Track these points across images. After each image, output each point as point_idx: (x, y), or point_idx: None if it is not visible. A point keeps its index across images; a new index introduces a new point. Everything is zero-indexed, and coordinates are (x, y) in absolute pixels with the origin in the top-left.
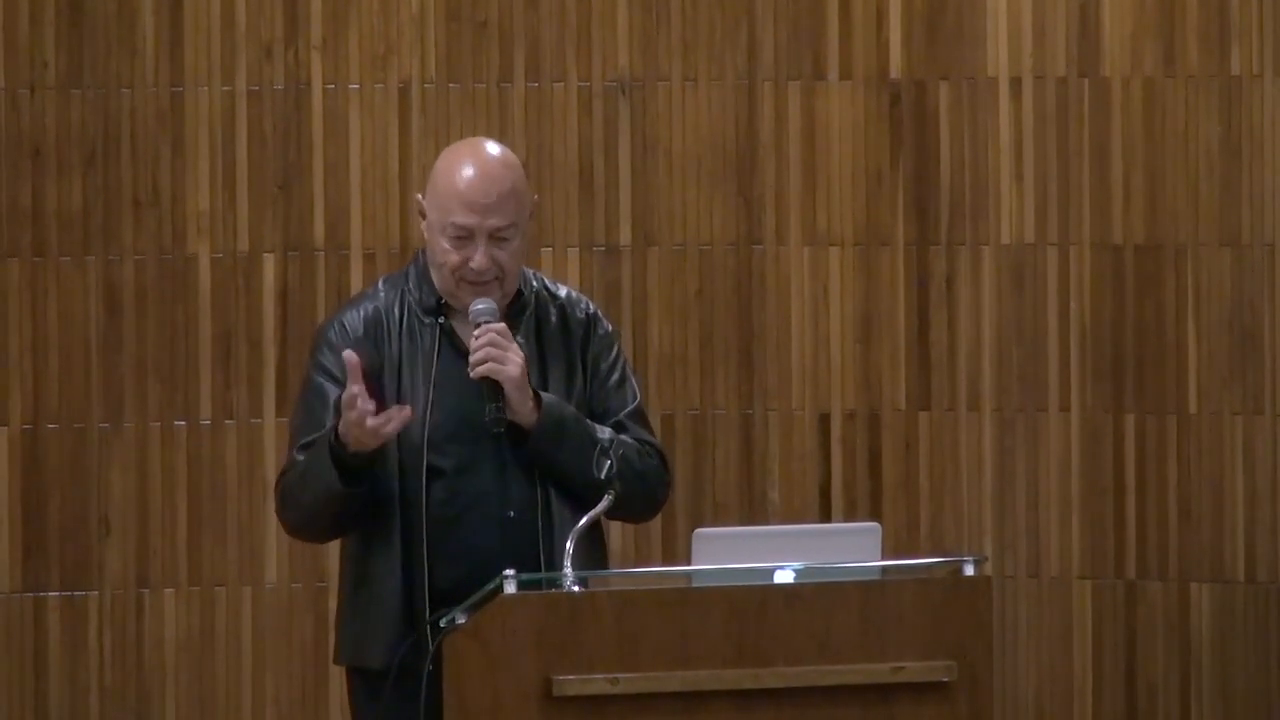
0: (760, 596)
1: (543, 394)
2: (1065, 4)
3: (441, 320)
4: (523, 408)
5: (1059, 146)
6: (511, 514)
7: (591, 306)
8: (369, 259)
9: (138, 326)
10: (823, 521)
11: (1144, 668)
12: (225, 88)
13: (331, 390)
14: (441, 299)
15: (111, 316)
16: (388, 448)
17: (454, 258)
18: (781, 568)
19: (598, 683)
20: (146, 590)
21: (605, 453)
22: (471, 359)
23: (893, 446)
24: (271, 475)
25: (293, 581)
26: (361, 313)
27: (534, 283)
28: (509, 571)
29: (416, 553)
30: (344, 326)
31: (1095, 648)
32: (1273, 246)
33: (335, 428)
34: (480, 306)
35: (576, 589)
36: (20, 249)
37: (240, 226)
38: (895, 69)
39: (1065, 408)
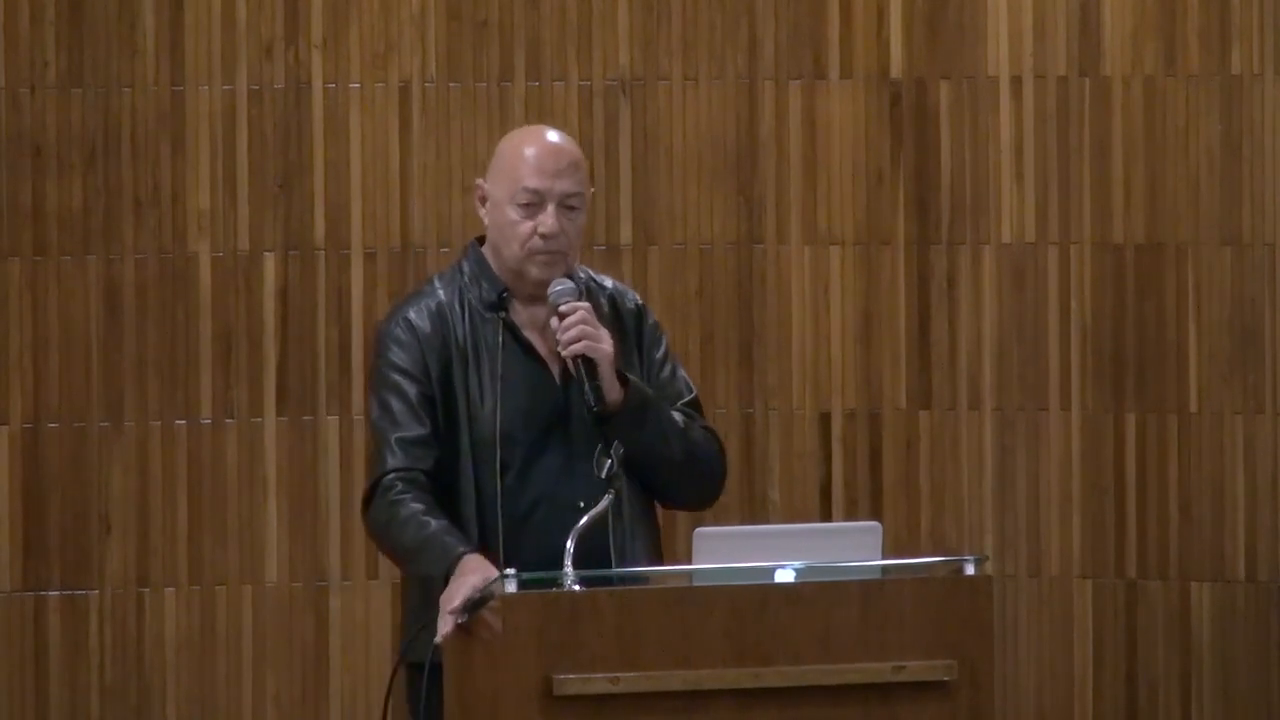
0: (761, 596)
1: (627, 374)
2: (1066, 3)
3: (503, 315)
4: (612, 387)
5: (1059, 146)
6: (581, 504)
7: (639, 298)
8: (369, 258)
9: (138, 326)
10: (823, 521)
11: (1144, 668)
12: (226, 87)
13: (408, 386)
14: (503, 293)
15: (111, 316)
16: (461, 442)
17: (524, 227)
18: (782, 567)
19: (598, 682)
20: (146, 589)
21: (607, 452)
22: (564, 337)
23: (893, 446)
24: (272, 474)
25: (293, 581)
26: (425, 309)
27: (582, 274)
28: (509, 570)
29: (492, 546)
30: (410, 324)
31: (1095, 647)
32: (1273, 246)
33: (456, 551)
34: (560, 288)
35: (577, 588)
36: (20, 248)
37: (240, 226)
38: (896, 68)
39: (1066, 407)
